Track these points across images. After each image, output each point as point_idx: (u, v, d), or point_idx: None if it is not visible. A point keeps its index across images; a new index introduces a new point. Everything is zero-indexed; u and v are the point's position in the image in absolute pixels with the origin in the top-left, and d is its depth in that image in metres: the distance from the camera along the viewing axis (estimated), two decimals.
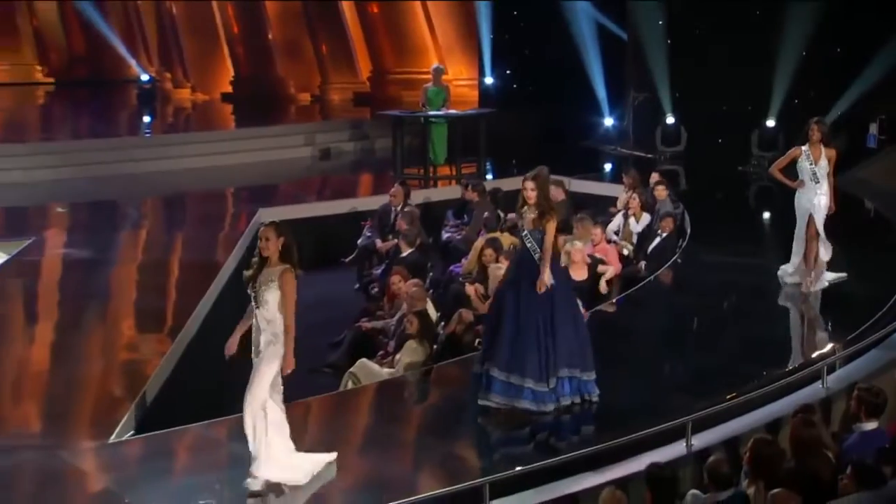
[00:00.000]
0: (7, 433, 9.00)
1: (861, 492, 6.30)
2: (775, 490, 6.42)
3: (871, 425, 7.51)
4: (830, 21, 16.90)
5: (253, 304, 7.48)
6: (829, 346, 9.56)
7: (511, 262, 9.13)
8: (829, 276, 11.23)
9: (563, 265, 11.55)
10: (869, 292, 11.16)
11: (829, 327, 10.65)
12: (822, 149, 10.71)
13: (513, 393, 8.51)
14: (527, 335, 8.48)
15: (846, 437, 7.73)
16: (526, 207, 8.61)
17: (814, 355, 9.46)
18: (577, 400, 8.62)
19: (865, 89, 16.73)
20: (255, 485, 7.49)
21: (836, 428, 8.32)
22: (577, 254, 12.04)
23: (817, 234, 10.92)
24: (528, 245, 8.58)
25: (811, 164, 10.70)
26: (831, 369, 8.89)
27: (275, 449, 7.52)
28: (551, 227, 8.49)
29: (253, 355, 7.59)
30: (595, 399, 8.67)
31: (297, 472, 7.61)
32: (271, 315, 7.44)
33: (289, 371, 7.64)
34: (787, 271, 11.41)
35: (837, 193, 11.03)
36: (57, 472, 8.15)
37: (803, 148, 10.78)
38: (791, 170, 11.01)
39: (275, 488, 7.56)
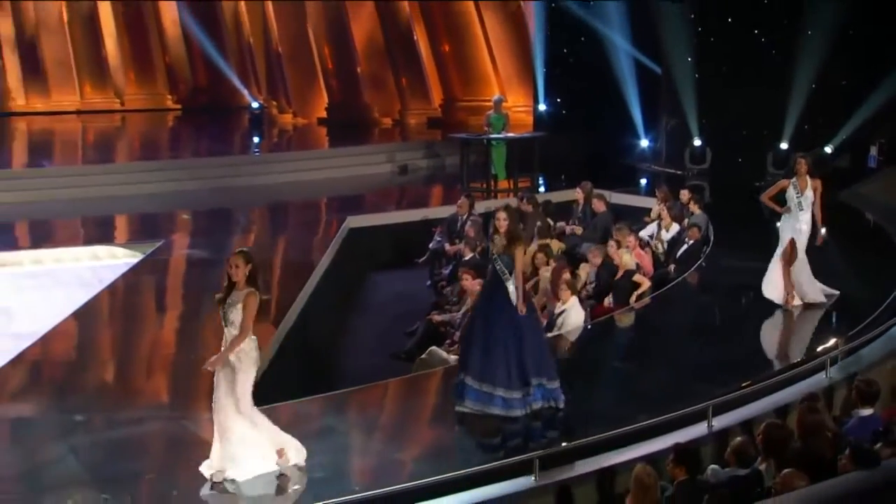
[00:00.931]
0: (140, 404, 9.13)
1: (858, 471, 6.22)
2: (786, 470, 6.33)
3: (867, 411, 7.44)
4: (836, 56, 16.66)
5: (223, 323, 7.19)
6: (832, 342, 9.40)
7: (484, 282, 8.65)
8: (826, 290, 10.83)
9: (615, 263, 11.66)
10: (867, 294, 10.97)
11: (832, 325, 10.46)
12: (808, 180, 10.34)
13: (485, 400, 8.14)
14: (497, 348, 8.10)
15: (846, 420, 7.66)
16: (497, 235, 8.22)
17: (818, 349, 9.34)
18: (546, 405, 8.19)
19: (866, 117, 16.54)
20: (218, 477, 7.19)
21: (837, 412, 8.20)
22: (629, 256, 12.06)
23: (796, 256, 10.53)
24: (498, 268, 8.17)
25: (797, 194, 10.33)
26: (833, 362, 8.75)
27: (241, 446, 7.20)
28: (519, 252, 8.15)
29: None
30: (561, 405, 8.22)
31: (268, 462, 7.29)
32: (244, 331, 7.15)
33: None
34: (765, 287, 10.96)
35: (826, 216, 10.65)
36: (181, 438, 8.27)
37: (791, 180, 10.42)
38: (780, 198, 10.68)
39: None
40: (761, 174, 17.49)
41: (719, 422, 7.89)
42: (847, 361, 8.92)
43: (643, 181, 18.53)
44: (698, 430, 7.74)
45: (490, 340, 8.12)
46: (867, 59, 16.53)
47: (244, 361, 7.18)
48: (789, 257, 10.52)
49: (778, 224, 10.74)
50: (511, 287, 8.05)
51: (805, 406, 7.46)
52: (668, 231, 13.77)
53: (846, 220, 15.43)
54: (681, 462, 6.66)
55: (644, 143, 19.91)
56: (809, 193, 10.31)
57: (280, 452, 7.29)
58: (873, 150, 17.00)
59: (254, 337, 7.21)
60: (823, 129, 17.25)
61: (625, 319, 11.26)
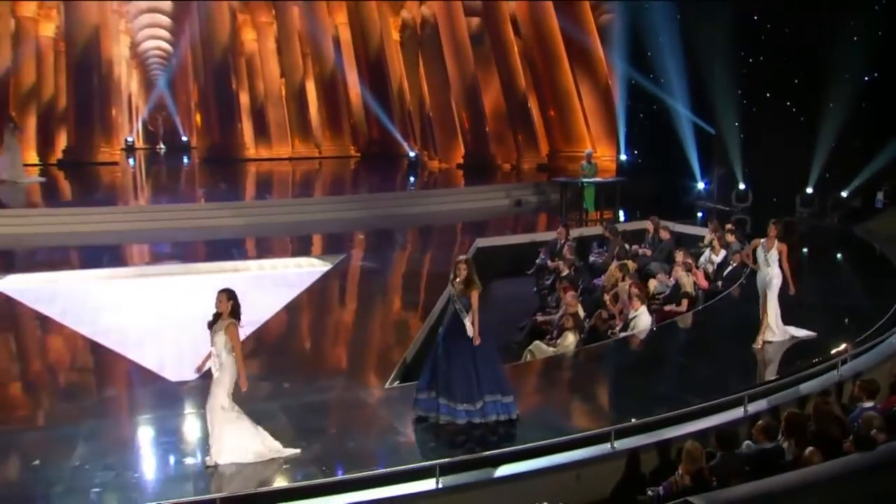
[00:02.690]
0: (327, 375, 9.25)
1: (859, 452, 6.01)
2: (808, 448, 6.19)
3: (868, 404, 7.12)
4: (851, 123, 16.03)
5: (210, 341, 6.82)
6: (843, 346, 9.04)
7: (445, 316, 7.75)
8: (797, 333, 9.61)
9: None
10: (871, 309, 10.47)
11: (843, 332, 9.98)
12: (776, 242, 9.36)
13: (445, 411, 7.42)
14: (457, 371, 7.39)
15: (853, 409, 7.33)
16: (457, 280, 7.45)
17: (832, 352, 8.98)
18: (501, 418, 7.42)
19: (875, 169, 15.91)
20: (210, 462, 6.74)
21: (845, 402, 7.89)
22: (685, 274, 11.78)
23: (766, 304, 9.46)
24: (457, 307, 7.41)
25: (765, 252, 9.40)
26: (843, 362, 8.45)
27: (226, 437, 6.75)
28: (475, 296, 7.35)
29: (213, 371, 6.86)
30: (514, 417, 7.46)
31: (247, 454, 6.78)
32: (219, 351, 6.74)
33: (244, 389, 6.86)
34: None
35: (795, 277, 9.60)
36: (355, 404, 8.29)
37: (761, 241, 9.53)
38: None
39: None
40: (792, 211, 16.90)
41: (753, 407, 7.64)
42: (854, 363, 8.57)
43: (699, 215, 18.08)
44: (736, 413, 7.51)
45: (451, 364, 7.42)
46: (875, 127, 15.84)
47: (225, 375, 6.77)
48: (763, 305, 9.53)
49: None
50: (467, 322, 7.36)
51: (820, 398, 7.25)
52: (717, 255, 13.35)
53: (858, 248, 14.81)
54: (720, 440, 6.54)
55: (700, 185, 19.41)
56: (774, 253, 9.34)
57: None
58: (879, 195, 16.28)
59: (236, 356, 6.79)
60: (840, 178, 16.58)
61: (682, 323, 10.97)
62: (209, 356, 6.83)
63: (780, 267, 9.31)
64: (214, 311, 6.79)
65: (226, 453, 6.74)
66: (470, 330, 7.36)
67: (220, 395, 6.77)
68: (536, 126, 26.35)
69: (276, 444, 6.91)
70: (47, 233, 16.37)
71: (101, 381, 9.32)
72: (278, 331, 10.90)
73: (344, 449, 7.14)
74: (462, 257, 7.65)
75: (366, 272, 14.12)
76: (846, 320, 10.50)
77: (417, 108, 30.48)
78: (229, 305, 6.75)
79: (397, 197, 21.08)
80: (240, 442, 6.78)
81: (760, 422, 6.87)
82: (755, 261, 9.50)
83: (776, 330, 9.44)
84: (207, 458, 6.79)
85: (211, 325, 6.82)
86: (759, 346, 9.33)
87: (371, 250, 15.68)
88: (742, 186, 18.16)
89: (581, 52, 24.34)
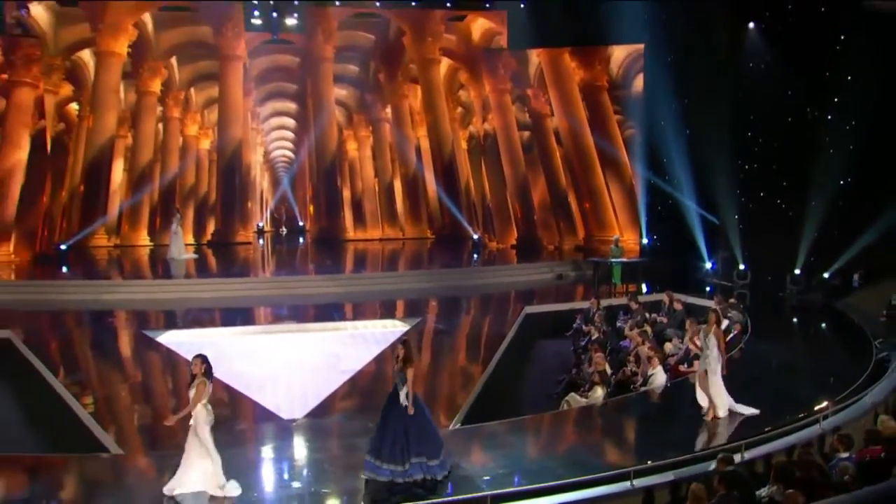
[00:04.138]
0: None
1: (835, 496, 5.76)
2: (788, 491, 5.95)
3: (844, 455, 6.79)
4: (831, 218, 15.67)
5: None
6: (825, 403, 8.69)
7: (390, 392, 7.32)
8: (743, 410, 8.83)
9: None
10: (849, 372, 10.03)
11: (825, 391, 9.57)
12: (714, 328, 8.81)
13: (369, 468, 7.01)
14: (389, 436, 6.99)
15: (832, 458, 7.01)
16: (397, 360, 7.12)
17: (815, 409, 8.64)
18: (426, 478, 6.95)
19: (852, 255, 15.42)
20: (171, 491, 6.64)
21: (826, 451, 7.57)
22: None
23: (705, 381, 8.76)
24: (398, 381, 7.08)
25: (705, 336, 8.86)
26: (825, 418, 8.12)
27: (191, 471, 6.69)
28: (410, 372, 7.02)
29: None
30: (439, 478, 6.96)
31: (197, 478, 6.66)
32: (192, 405, 6.71)
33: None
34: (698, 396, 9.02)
35: (728, 361, 9.08)
36: None
37: (702, 326, 9.05)
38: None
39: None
40: (783, 288, 16.48)
41: (750, 454, 7.31)
42: (834, 418, 8.22)
43: (707, 289, 17.71)
44: (736, 458, 7.10)
45: (387, 430, 7.02)
46: (850, 221, 15.39)
47: (199, 421, 6.70)
48: (703, 382, 8.87)
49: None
50: (403, 395, 7.00)
51: (803, 449, 6.97)
52: (721, 324, 13.09)
53: (838, 320, 14.29)
54: (721, 481, 6.34)
55: (708, 265, 19.03)
56: (712, 339, 8.81)
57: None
58: (856, 276, 15.71)
59: (209, 406, 6.75)
60: (823, 262, 16.08)
61: (692, 380, 10.60)
62: (187, 410, 6.75)
63: (718, 349, 8.78)
64: (191, 372, 6.73)
65: (187, 483, 6.64)
66: (404, 400, 6.99)
67: (195, 439, 6.69)
68: (575, 215, 26.28)
69: (223, 481, 6.75)
70: (198, 297, 16.74)
71: (233, 417, 9.45)
72: (368, 378, 10.92)
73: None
74: (401, 340, 7.28)
75: (437, 332, 14.14)
76: (831, 380, 10.13)
77: (480, 201, 30.76)
78: (202, 368, 6.72)
79: (463, 271, 21.14)
80: (198, 475, 6.66)
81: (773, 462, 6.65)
82: (700, 345, 8.94)
83: (722, 404, 8.71)
84: (171, 481, 6.66)
85: (189, 384, 6.75)
86: (709, 418, 8.60)
87: (442, 314, 15.70)
88: (742, 267, 17.77)
89: (610, 159, 24.39)
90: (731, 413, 8.67)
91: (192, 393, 6.73)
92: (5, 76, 20.28)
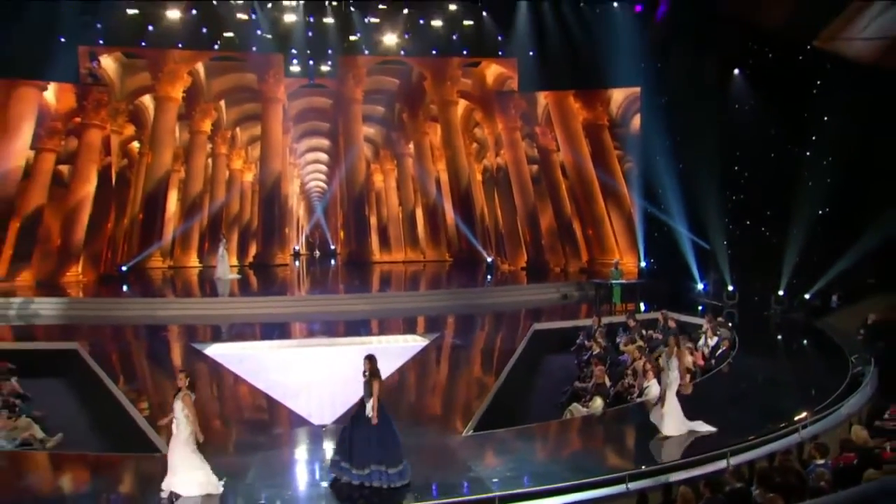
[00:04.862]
0: (425, 421, 9.16)
1: (811, 499, 5.75)
2: (769, 494, 5.94)
3: (820, 461, 6.75)
4: (811, 245, 15.56)
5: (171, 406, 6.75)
6: (804, 414, 8.59)
7: (356, 402, 7.17)
8: (689, 426, 8.43)
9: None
10: (827, 385, 9.87)
11: (805, 403, 9.44)
12: (675, 351, 8.58)
13: (346, 473, 6.90)
14: (356, 443, 6.87)
15: (808, 464, 6.97)
16: (364, 374, 6.94)
17: (795, 418, 8.53)
18: (383, 485, 6.77)
19: (830, 278, 15.27)
20: (164, 493, 6.54)
21: (805, 458, 7.52)
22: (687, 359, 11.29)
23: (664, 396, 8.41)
24: (364, 393, 6.92)
25: (667, 358, 8.64)
26: (804, 427, 8.05)
27: (178, 474, 6.61)
28: (375, 385, 6.82)
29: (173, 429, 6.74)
30: (395, 485, 6.74)
31: (191, 487, 6.56)
32: (177, 414, 6.66)
33: (200, 440, 6.70)
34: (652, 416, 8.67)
35: (685, 379, 8.81)
36: (441, 447, 8.14)
37: (665, 349, 8.94)
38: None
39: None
40: (768, 308, 16.31)
41: (735, 460, 7.32)
42: (812, 427, 8.15)
43: (699, 308, 17.60)
44: (721, 464, 7.20)
45: (353, 437, 6.90)
46: (829, 247, 15.26)
47: (180, 427, 6.66)
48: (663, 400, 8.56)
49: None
50: (368, 406, 6.85)
51: (783, 456, 6.94)
52: (711, 340, 12.96)
53: (818, 338, 14.11)
54: (708, 485, 6.35)
55: (699, 286, 18.89)
56: (674, 360, 8.59)
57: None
58: (834, 297, 15.52)
59: (190, 416, 6.66)
60: (804, 284, 15.92)
61: (685, 392, 10.53)
62: (171, 417, 6.72)
63: (679, 370, 8.60)
64: (177, 385, 6.73)
65: (178, 484, 6.57)
66: (370, 411, 6.84)
67: (180, 445, 6.65)
68: (579, 241, 26.26)
69: (215, 480, 6.71)
70: (240, 314, 16.86)
71: (270, 422, 9.55)
72: (391, 387, 10.81)
73: (428, 479, 7.05)
74: (367, 356, 7.01)
75: (454, 346, 14.12)
76: (807, 394, 10.00)
77: (493, 227, 30.82)
78: (186, 381, 6.71)
79: (478, 291, 21.10)
80: (189, 475, 6.60)
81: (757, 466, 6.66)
82: (662, 367, 8.74)
83: (678, 424, 8.30)
84: (163, 483, 6.58)
85: (174, 396, 6.73)
86: (661, 437, 8.22)
87: (458, 330, 15.68)
88: (731, 288, 17.63)
89: (611, 190, 24.44)
90: (691, 432, 8.32)
91: (177, 405, 6.65)
92: (78, 119, 21.08)
